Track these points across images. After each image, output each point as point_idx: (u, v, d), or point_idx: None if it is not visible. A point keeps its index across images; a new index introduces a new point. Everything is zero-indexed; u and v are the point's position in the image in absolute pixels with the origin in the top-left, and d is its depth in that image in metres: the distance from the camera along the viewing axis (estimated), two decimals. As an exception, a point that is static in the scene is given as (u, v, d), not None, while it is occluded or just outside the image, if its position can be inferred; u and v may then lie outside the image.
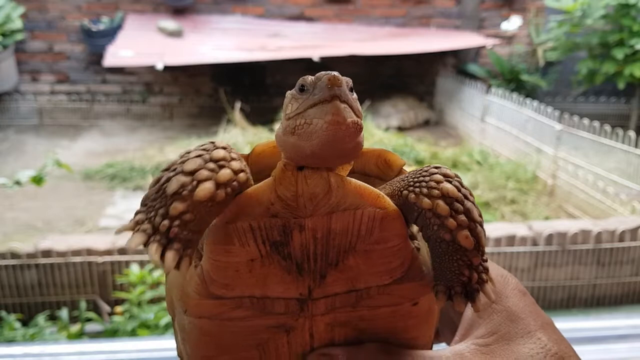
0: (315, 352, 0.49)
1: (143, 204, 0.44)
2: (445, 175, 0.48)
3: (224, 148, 0.46)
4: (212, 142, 0.47)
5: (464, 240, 0.45)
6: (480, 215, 0.47)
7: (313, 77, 0.46)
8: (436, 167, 0.48)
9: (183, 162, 0.45)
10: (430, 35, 7.91)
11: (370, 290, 0.48)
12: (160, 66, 6.44)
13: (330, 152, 0.45)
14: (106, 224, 4.51)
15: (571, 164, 4.93)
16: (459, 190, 0.47)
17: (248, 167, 0.47)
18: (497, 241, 3.35)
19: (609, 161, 4.66)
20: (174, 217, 0.42)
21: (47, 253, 3.07)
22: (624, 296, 3.50)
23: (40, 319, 2.71)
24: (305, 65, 6.43)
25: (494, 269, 0.55)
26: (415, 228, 0.51)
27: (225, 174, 0.44)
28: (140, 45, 6.92)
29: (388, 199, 0.48)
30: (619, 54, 6.36)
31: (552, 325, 0.53)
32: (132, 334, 2.50)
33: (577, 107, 7.57)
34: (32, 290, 3.08)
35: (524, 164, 5.47)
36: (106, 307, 2.96)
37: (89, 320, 2.77)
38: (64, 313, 2.74)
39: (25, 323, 2.76)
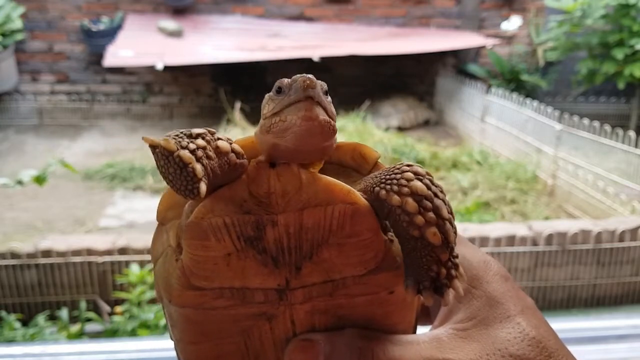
0: (296, 338, 0.51)
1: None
2: (416, 173, 0.49)
3: None
4: None
5: (432, 236, 0.46)
6: (450, 213, 0.48)
7: (289, 80, 0.49)
8: (408, 165, 0.50)
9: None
10: (430, 35, 7.91)
11: (346, 281, 0.50)
12: (160, 66, 6.44)
13: (303, 147, 0.47)
14: (106, 224, 4.51)
15: (571, 164, 4.93)
16: (429, 189, 0.48)
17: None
18: (497, 241, 3.35)
19: (609, 161, 4.66)
20: (199, 146, 0.46)
21: (47, 253, 3.07)
22: (624, 296, 3.50)
23: (40, 319, 2.71)
24: (306, 65, 6.43)
25: (476, 254, 0.56)
26: None
27: (238, 146, 0.49)
28: (140, 45, 6.92)
29: (359, 194, 0.50)
30: (619, 54, 6.36)
31: (534, 309, 0.53)
32: (132, 334, 2.50)
33: (577, 107, 7.57)
34: (32, 290, 3.08)
35: (524, 164, 5.47)
36: (106, 307, 2.96)
37: (89, 320, 2.78)
38: (64, 313, 2.74)
39: (25, 323, 2.76)
